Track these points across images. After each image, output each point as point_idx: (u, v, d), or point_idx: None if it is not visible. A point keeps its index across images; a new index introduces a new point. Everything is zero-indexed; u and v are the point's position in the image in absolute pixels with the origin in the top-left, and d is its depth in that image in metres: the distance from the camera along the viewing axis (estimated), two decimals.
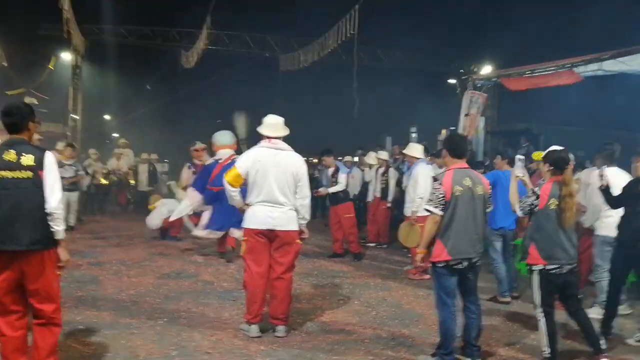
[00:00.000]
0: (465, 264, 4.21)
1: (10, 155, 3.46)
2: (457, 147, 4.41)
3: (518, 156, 4.93)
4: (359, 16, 10.80)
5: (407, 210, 7.80)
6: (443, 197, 4.15)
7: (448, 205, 4.15)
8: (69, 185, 10.18)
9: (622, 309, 5.62)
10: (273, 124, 5.05)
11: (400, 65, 21.00)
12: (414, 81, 21.32)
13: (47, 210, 3.48)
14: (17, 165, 3.45)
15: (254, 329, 4.85)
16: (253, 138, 5.50)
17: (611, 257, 5.43)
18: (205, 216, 8.16)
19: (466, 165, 4.39)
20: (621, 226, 5.18)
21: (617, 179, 5.47)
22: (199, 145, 9.47)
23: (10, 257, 3.43)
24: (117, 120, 35.36)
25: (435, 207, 4.17)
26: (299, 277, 6.79)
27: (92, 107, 23.85)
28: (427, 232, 4.27)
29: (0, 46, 16.88)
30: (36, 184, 3.48)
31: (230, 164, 6.67)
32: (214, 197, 7.92)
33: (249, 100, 21.59)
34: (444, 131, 13.21)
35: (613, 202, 5.23)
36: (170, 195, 11.15)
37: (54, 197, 3.51)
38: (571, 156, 5.01)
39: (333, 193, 8.92)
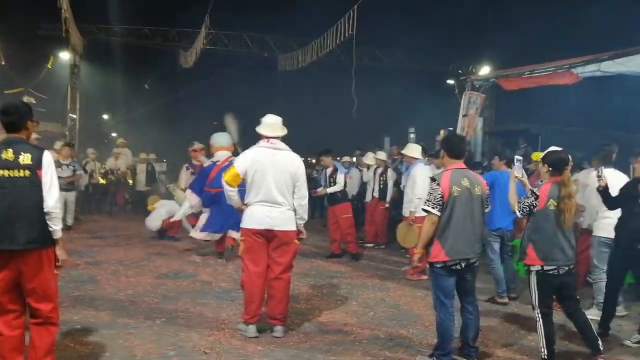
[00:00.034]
0: (463, 264, 4.21)
1: (8, 154, 3.46)
2: (455, 147, 4.42)
3: (517, 157, 4.94)
4: (358, 16, 10.80)
5: (405, 211, 7.81)
6: (441, 197, 4.15)
7: (446, 206, 4.15)
8: (67, 185, 10.19)
9: (619, 310, 5.63)
10: (271, 124, 5.04)
11: (399, 65, 21.02)
12: (413, 81, 21.34)
13: (45, 210, 3.49)
14: (14, 164, 3.45)
15: (252, 329, 4.84)
16: (245, 142, 5.50)
17: (608, 258, 5.44)
18: (203, 218, 8.16)
19: (464, 166, 4.39)
20: (619, 227, 5.19)
21: (614, 179, 5.48)
22: (197, 145, 9.47)
23: (7, 256, 3.42)
24: (115, 120, 35.40)
25: (433, 207, 4.17)
26: (296, 278, 6.79)
27: (91, 106, 23.88)
28: (425, 233, 4.26)
29: None
30: (34, 183, 3.47)
31: (228, 165, 6.66)
32: (212, 199, 7.92)
33: (248, 101, 21.67)
34: (442, 132, 13.22)
35: (611, 203, 5.24)
36: (169, 196, 11.17)
37: (52, 197, 3.51)
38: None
39: (331, 193, 8.92)
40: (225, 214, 7.64)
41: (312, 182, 10.63)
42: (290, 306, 5.20)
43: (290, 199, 4.92)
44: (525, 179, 4.85)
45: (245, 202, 4.98)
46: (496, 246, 6.41)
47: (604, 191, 5.14)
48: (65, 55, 19.60)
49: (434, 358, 4.29)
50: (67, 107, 19.21)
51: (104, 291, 6.18)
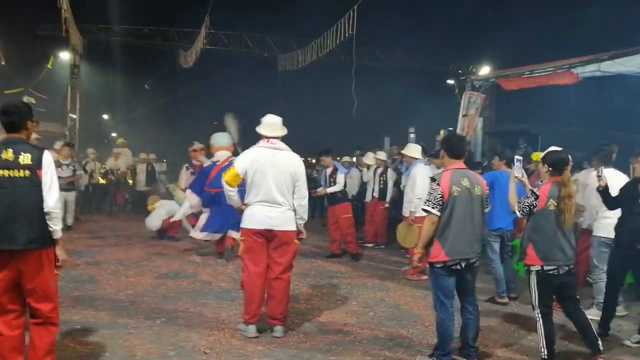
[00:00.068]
0: (463, 264, 4.21)
1: (8, 154, 3.46)
2: (455, 147, 4.41)
3: (516, 157, 4.94)
4: (358, 16, 10.80)
5: (405, 211, 7.81)
6: (441, 197, 4.15)
7: (446, 206, 4.15)
8: (67, 185, 10.19)
9: (619, 310, 5.63)
10: (271, 124, 5.04)
11: (399, 65, 21.02)
12: (413, 81, 21.35)
13: (45, 210, 3.49)
14: (14, 164, 3.45)
15: (252, 329, 4.84)
16: (245, 142, 5.50)
17: (608, 258, 5.44)
18: (203, 218, 8.16)
19: (464, 166, 4.39)
20: (619, 227, 5.19)
21: (614, 179, 5.48)
22: (197, 145, 9.46)
23: (7, 256, 3.42)
24: (115, 120, 35.40)
25: (433, 207, 4.17)
26: (296, 278, 6.79)
27: (91, 106, 23.88)
28: (425, 233, 4.26)
29: None
30: (34, 183, 3.48)
31: (228, 165, 6.66)
32: (212, 199, 7.92)
33: (248, 101, 21.68)
34: (442, 132, 13.22)
35: (611, 203, 5.24)
36: (169, 196, 11.17)
37: (52, 197, 3.51)
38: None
39: (331, 193, 8.92)
40: (225, 214, 7.64)
41: (312, 182, 10.64)
42: (290, 306, 5.20)
43: (290, 199, 4.91)
44: (525, 179, 4.85)
45: (245, 202, 4.98)
46: (496, 246, 6.42)
47: (604, 191, 5.14)
48: (65, 55, 19.62)
49: (434, 358, 4.29)
50: (67, 107, 19.22)
51: (104, 291, 6.18)
